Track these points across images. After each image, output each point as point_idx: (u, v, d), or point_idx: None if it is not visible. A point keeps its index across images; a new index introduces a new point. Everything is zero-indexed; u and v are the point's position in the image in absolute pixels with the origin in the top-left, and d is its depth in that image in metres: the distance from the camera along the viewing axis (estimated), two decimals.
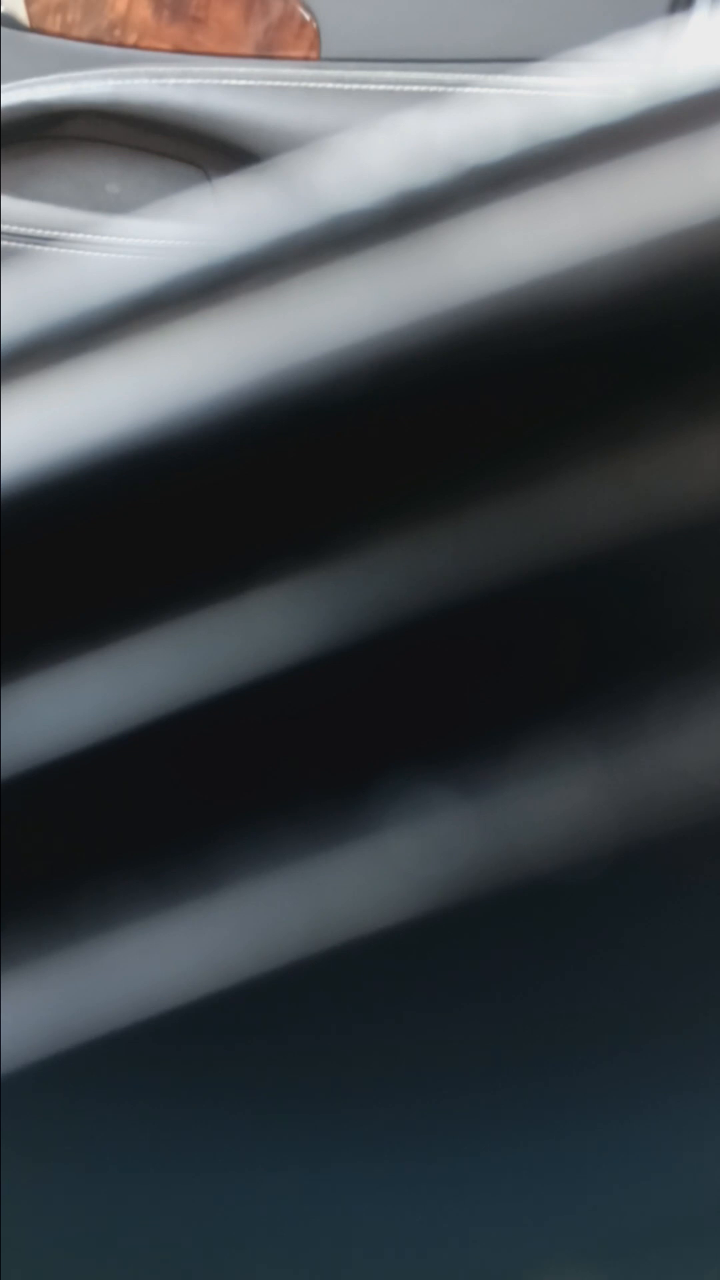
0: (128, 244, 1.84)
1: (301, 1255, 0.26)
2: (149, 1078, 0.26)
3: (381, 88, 1.80)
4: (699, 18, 1.76)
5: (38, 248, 1.87)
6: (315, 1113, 0.26)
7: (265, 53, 1.83)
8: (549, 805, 0.24)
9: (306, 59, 1.82)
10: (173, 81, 1.82)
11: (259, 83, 1.81)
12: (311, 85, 1.81)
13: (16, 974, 0.25)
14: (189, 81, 1.82)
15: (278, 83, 1.81)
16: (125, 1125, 0.26)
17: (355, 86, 1.81)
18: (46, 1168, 0.26)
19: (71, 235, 1.86)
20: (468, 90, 1.77)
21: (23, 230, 1.88)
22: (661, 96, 0.26)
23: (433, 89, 1.79)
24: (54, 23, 1.85)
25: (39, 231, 1.87)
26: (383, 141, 0.27)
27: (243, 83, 1.82)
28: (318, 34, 1.82)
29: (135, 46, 1.84)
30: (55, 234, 1.87)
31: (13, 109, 1.85)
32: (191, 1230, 0.26)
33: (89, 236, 1.86)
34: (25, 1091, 0.25)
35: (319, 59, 1.82)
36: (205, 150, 1.84)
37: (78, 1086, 0.26)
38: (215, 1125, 0.26)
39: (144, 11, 1.83)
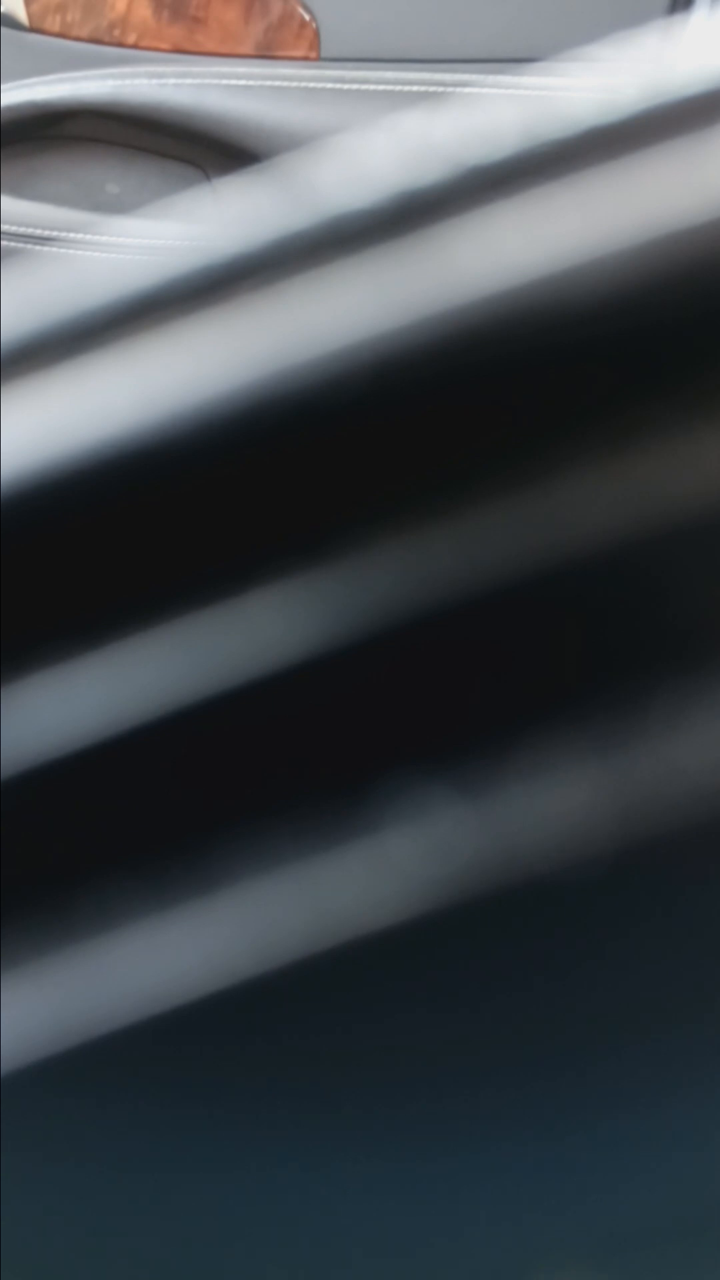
0: (127, 244, 1.84)
1: (301, 1255, 0.26)
2: (149, 1078, 0.26)
3: (381, 88, 1.80)
4: (698, 18, 1.76)
5: (37, 248, 1.87)
6: (315, 1113, 0.26)
7: (265, 53, 1.83)
8: (549, 805, 0.24)
9: (306, 59, 1.82)
10: (172, 81, 1.82)
11: (259, 83, 1.81)
12: (311, 85, 1.81)
13: (16, 974, 0.25)
14: (189, 81, 1.82)
15: (277, 83, 1.81)
16: (125, 1125, 0.26)
17: (355, 86, 1.81)
18: (46, 1168, 0.26)
19: (71, 235, 1.86)
20: (467, 90, 1.77)
21: (22, 230, 1.88)
22: (661, 96, 0.26)
23: (432, 89, 1.79)
24: (53, 22, 1.85)
25: (39, 231, 1.87)
26: (383, 141, 0.27)
27: (242, 83, 1.81)
28: (317, 34, 1.82)
29: (135, 46, 1.84)
30: (55, 234, 1.87)
31: (12, 109, 1.85)
32: (191, 1230, 0.26)
33: (89, 236, 1.86)
34: (25, 1091, 0.25)
35: (319, 59, 1.82)
36: (205, 150, 1.84)
37: (78, 1086, 0.26)
38: (215, 1125, 0.26)
39: (144, 11, 1.83)
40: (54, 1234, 0.27)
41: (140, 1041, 0.25)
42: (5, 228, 1.88)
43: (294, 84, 1.81)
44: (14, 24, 1.86)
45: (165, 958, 0.25)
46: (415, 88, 1.79)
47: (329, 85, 1.81)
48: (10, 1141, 0.26)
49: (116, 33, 1.84)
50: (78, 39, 1.85)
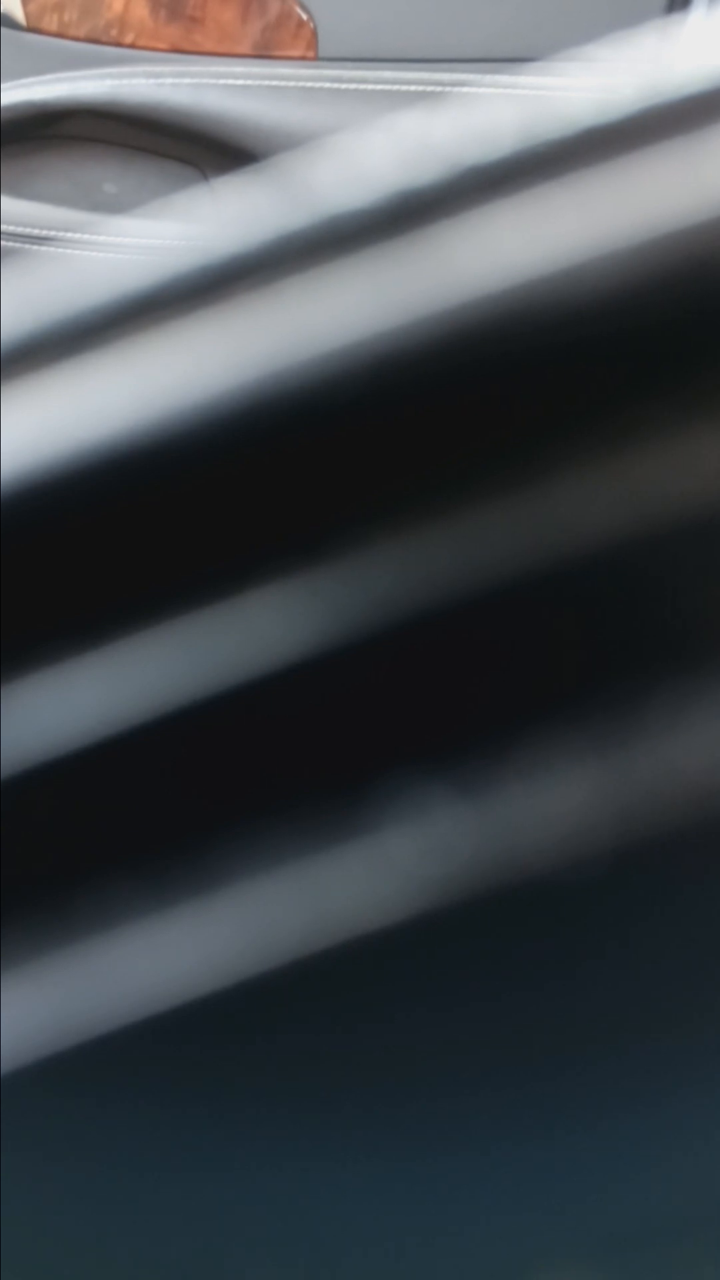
0: (125, 244, 1.83)
1: (301, 1255, 0.26)
2: (148, 1077, 0.26)
3: (379, 87, 1.80)
4: (696, 18, 1.76)
5: (35, 247, 1.87)
6: (314, 1112, 0.26)
7: (262, 52, 1.83)
8: (548, 805, 0.24)
9: (304, 59, 1.82)
10: (170, 81, 1.82)
11: (256, 82, 1.81)
12: (309, 85, 1.81)
13: (16, 974, 0.25)
14: (186, 81, 1.82)
15: (275, 82, 1.81)
16: (125, 1125, 0.26)
17: (353, 86, 1.80)
18: (46, 1168, 0.26)
19: (69, 235, 1.86)
20: (465, 90, 1.76)
21: (20, 230, 1.88)
22: (659, 96, 0.26)
23: (430, 89, 1.79)
24: (51, 22, 1.85)
25: (37, 231, 1.87)
26: (380, 141, 0.27)
27: (240, 82, 1.81)
28: (315, 34, 1.82)
29: (132, 46, 1.84)
30: (53, 234, 1.87)
31: (10, 109, 1.85)
32: (191, 1230, 0.26)
33: (87, 236, 1.86)
34: (25, 1091, 0.25)
35: (316, 59, 1.82)
36: (203, 150, 1.84)
37: (77, 1086, 0.26)
38: (215, 1125, 0.26)
39: (141, 11, 1.83)
40: (54, 1234, 0.27)
41: (140, 1041, 0.25)
42: (3, 228, 1.88)
43: (292, 84, 1.81)
44: (12, 24, 1.86)
45: (165, 957, 0.25)
46: (413, 87, 1.79)
47: (327, 85, 1.81)
48: (10, 1141, 0.26)
49: (114, 32, 1.84)
50: (75, 39, 1.85)
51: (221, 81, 1.82)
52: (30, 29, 1.86)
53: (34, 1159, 0.26)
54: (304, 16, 1.81)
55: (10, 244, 1.88)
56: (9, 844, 0.25)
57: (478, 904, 0.25)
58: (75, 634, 0.25)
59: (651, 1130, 0.26)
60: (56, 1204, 0.26)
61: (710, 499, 0.24)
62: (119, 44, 1.84)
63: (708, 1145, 0.26)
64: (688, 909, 0.25)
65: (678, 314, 0.25)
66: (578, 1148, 0.26)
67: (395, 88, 1.80)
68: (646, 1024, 0.26)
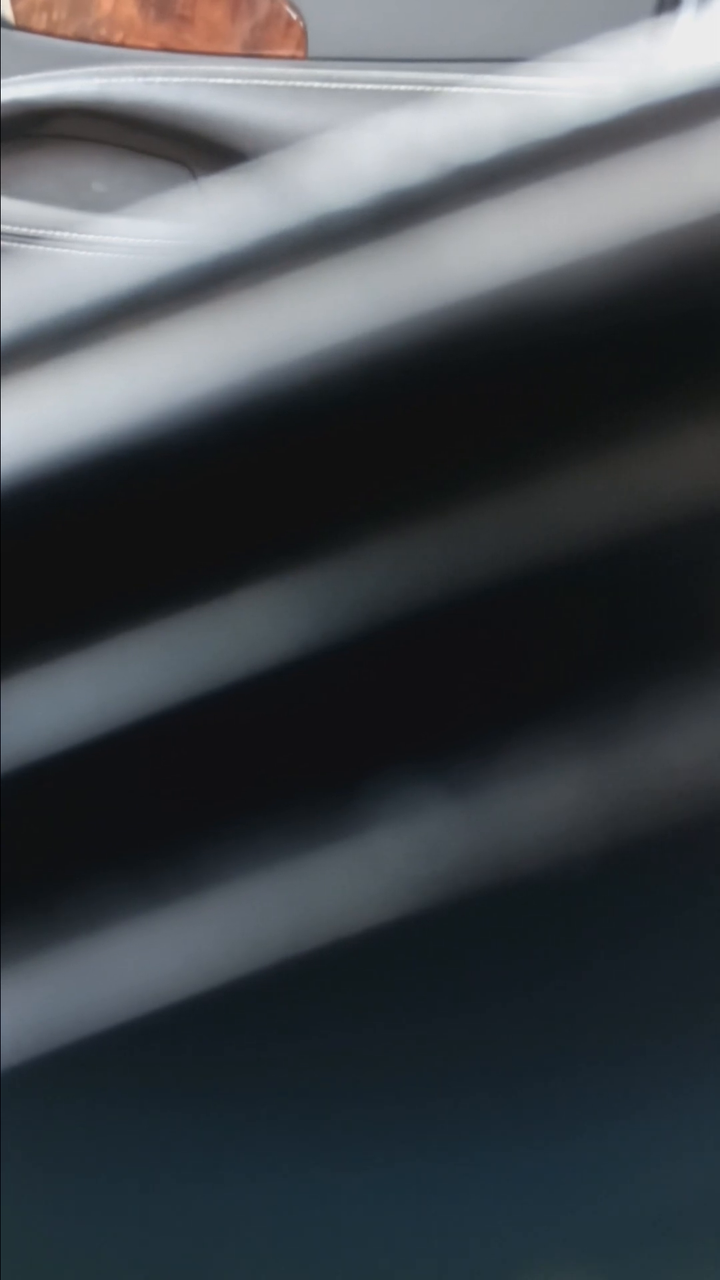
0: (114, 243, 1.83)
1: (299, 1254, 0.26)
2: (142, 1076, 0.26)
3: (369, 87, 1.80)
4: (686, 18, 1.76)
5: (24, 246, 1.87)
6: (308, 1110, 0.26)
7: (252, 51, 1.82)
8: (539, 804, 0.24)
9: (293, 58, 1.82)
10: (159, 80, 1.82)
11: (246, 81, 1.81)
12: (298, 84, 1.81)
13: (9, 972, 0.25)
14: (175, 80, 1.82)
15: (265, 81, 1.81)
16: (119, 1123, 0.26)
17: (342, 86, 1.80)
18: (44, 1166, 0.26)
19: (58, 234, 1.86)
20: (455, 90, 1.77)
21: (9, 229, 1.87)
22: (649, 96, 0.26)
23: (420, 88, 1.79)
24: (39, 20, 1.85)
25: (25, 230, 1.87)
26: (370, 141, 0.27)
27: (229, 81, 1.81)
28: (305, 33, 1.81)
29: (121, 45, 1.84)
30: (42, 233, 1.86)
31: None
32: (188, 1228, 0.26)
33: (75, 235, 1.86)
34: (20, 1090, 0.25)
35: (306, 58, 1.82)
36: (192, 149, 1.84)
37: (71, 1085, 0.26)
38: (209, 1123, 0.26)
39: (130, 9, 1.83)
40: (52, 1233, 0.27)
41: (133, 1040, 0.25)
42: None
43: (281, 83, 1.81)
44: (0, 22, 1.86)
45: (157, 956, 0.25)
46: (403, 87, 1.79)
47: (316, 84, 1.81)
48: (7, 1139, 0.26)
49: (103, 31, 1.84)
50: (64, 37, 1.85)
51: (211, 80, 1.82)
52: (18, 27, 1.86)
53: (31, 1157, 0.26)
54: (293, 15, 1.81)
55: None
56: (1, 842, 0.25)
57: (469, 903, 0.25)
58: (66, 632, 0.25)
59: (650, 1130, 0.26)
60: (54, 1202, 0.26)
61: (702, 498, 0.24)
62: (108, 42, 1.84)
63: (707, 1145, 0.26)
64: (681, 907, 0.25)
65: (668, 313, 0.25)
66: (577, 1147, 0.26)
67: (385, 87, 1.80)
68: (643, 1022, 0.26)
